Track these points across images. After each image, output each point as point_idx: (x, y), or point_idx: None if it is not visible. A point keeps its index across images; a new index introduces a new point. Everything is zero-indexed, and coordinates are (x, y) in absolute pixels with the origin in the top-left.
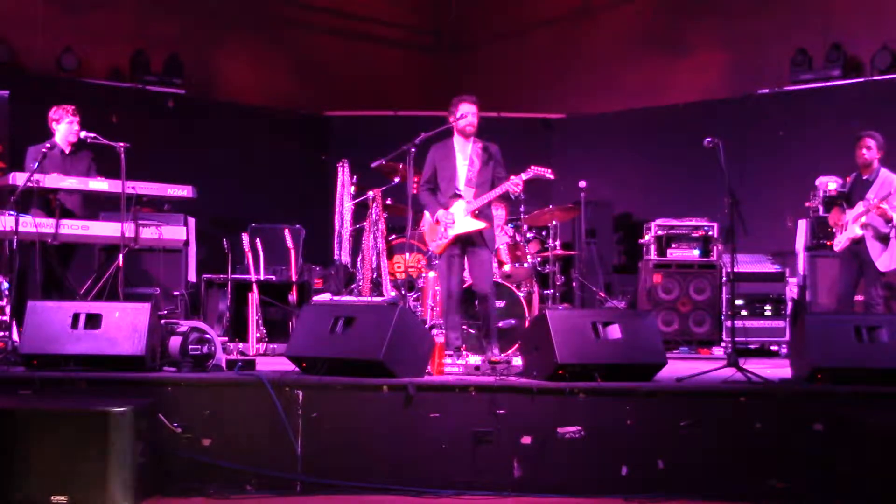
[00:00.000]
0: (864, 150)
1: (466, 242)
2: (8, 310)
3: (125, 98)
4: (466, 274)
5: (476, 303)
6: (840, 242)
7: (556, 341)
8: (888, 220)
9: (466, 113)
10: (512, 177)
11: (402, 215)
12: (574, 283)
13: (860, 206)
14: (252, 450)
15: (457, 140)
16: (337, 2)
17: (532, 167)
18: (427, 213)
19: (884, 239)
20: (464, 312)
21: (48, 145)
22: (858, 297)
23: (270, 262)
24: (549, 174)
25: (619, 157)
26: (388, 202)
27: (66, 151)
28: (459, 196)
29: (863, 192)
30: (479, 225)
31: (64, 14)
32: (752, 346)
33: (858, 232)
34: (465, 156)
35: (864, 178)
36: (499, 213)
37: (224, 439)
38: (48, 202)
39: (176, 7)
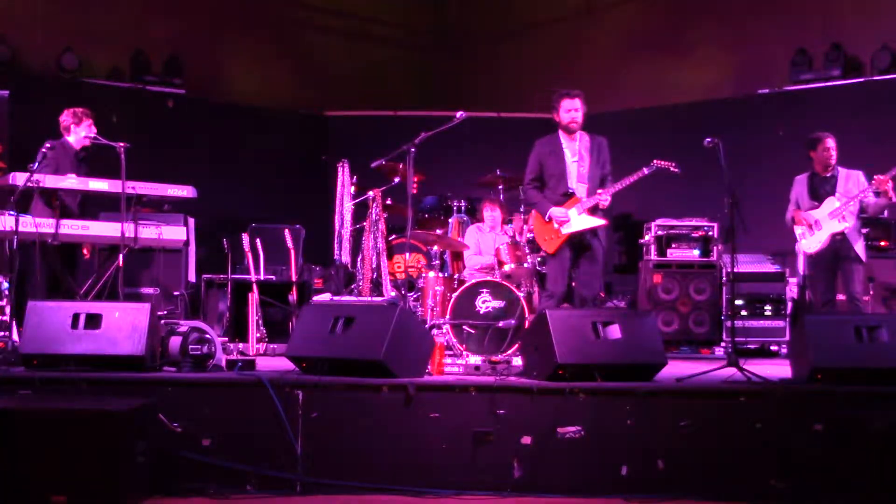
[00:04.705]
0: (833, 151)
1: (580, 243)
2: (8, 310)
3: (125, 98)
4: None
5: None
6: (819, 242)
7: (556, 341)
8: (888, 199)
9: (570, 108)
10: (642, 169)
11: (402, 215)
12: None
13: (834, 202)
14: (252, 450)
15: (563, 136)
16: (337, 2)
17: (655, 161)
18: (533, 211)
19: (859, 230)
20: (467, 312)
21: (48, 145)
22: (840, 297)
23: (270, 262)
24: (673, 168)
25: (619, 156)
26: (388, 202)
27: (80, 153)
28: (572, 194)
29: (831, 189)
30: (598, 222)
31: (64, 14)
32: (751, 346)
33: (842, 226)
34: (573, 151)
35: (827, 175)
36: (495, 213)
37: (224, 439)
38: (51, 201)
39: (176, 7)
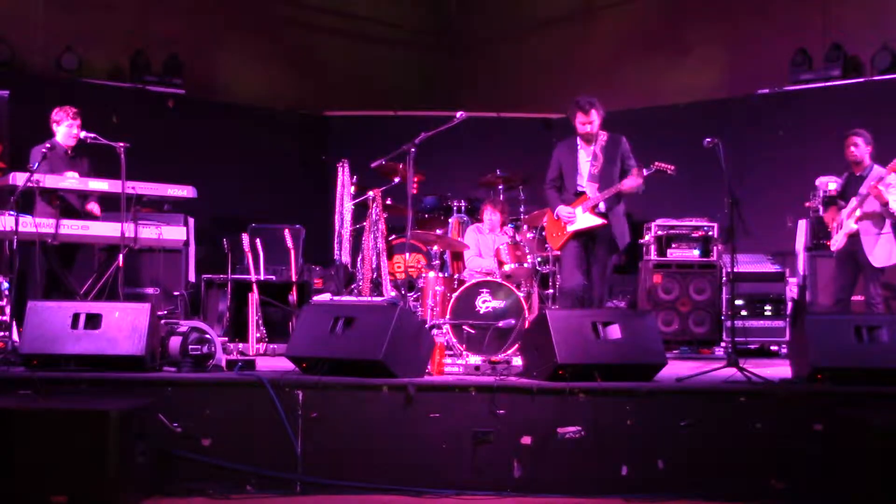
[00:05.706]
0: (852, 148)
1: (588, 241)
2: (8, 310)
3: (125, 98)
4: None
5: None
6: (838, 241)
7: (556, 341)
8: (884, 203)
9: (582, 122)
10: (634, 172)
11: (402, 215)
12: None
13: (853, 202)
14: (252, 450)
15: (580, 138)
16: (337, 2)
17: (656, 162)
18: (548, 210)
19: (878, 232)
20: (467, 312)
21: (48, 145)
22: (857, 297)
23: (270, 262)
24: (670, 170)
25: None
26: (388, 202)
27: (69, 152)
28: (582, 193)
29: (857, 189)
30: (596, 221)
31: (64, 14)
32: (752, 346)
33: (853, 226)
34: (588, 151)
35: (858, 174)
36: (495, 217)
37: (224, 439)
38: (51, 201)
39: (176, 7)
